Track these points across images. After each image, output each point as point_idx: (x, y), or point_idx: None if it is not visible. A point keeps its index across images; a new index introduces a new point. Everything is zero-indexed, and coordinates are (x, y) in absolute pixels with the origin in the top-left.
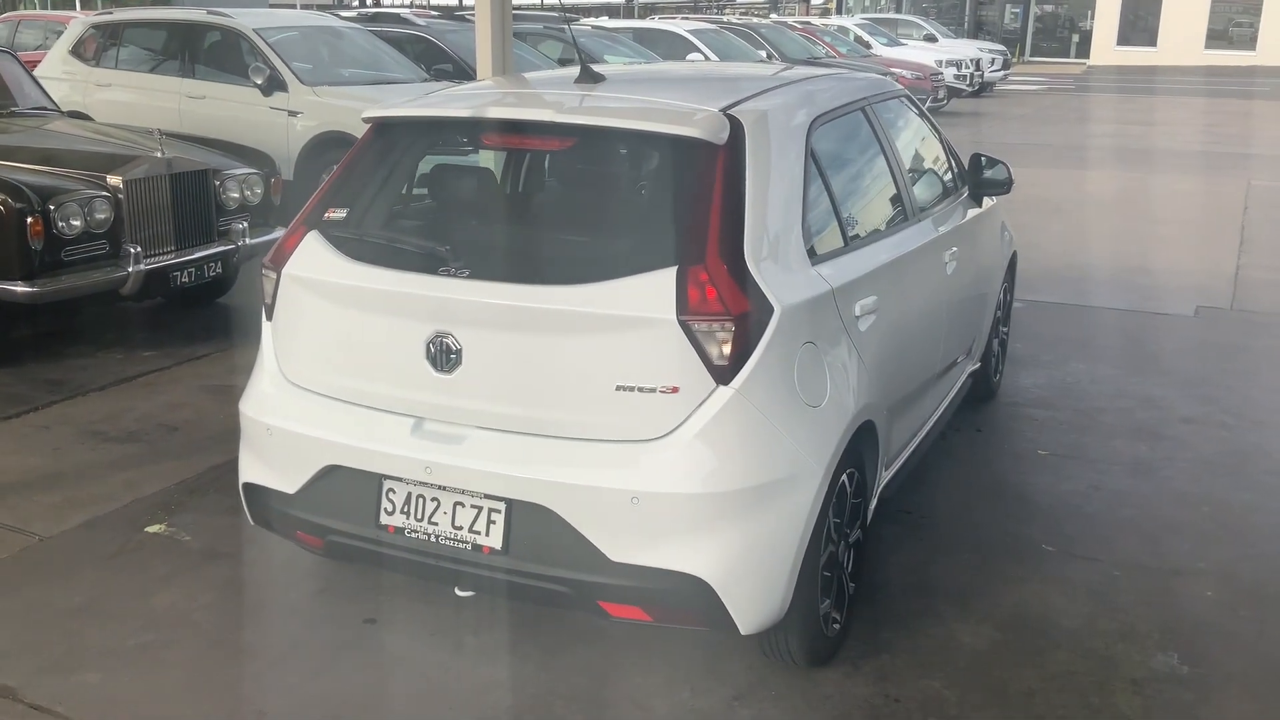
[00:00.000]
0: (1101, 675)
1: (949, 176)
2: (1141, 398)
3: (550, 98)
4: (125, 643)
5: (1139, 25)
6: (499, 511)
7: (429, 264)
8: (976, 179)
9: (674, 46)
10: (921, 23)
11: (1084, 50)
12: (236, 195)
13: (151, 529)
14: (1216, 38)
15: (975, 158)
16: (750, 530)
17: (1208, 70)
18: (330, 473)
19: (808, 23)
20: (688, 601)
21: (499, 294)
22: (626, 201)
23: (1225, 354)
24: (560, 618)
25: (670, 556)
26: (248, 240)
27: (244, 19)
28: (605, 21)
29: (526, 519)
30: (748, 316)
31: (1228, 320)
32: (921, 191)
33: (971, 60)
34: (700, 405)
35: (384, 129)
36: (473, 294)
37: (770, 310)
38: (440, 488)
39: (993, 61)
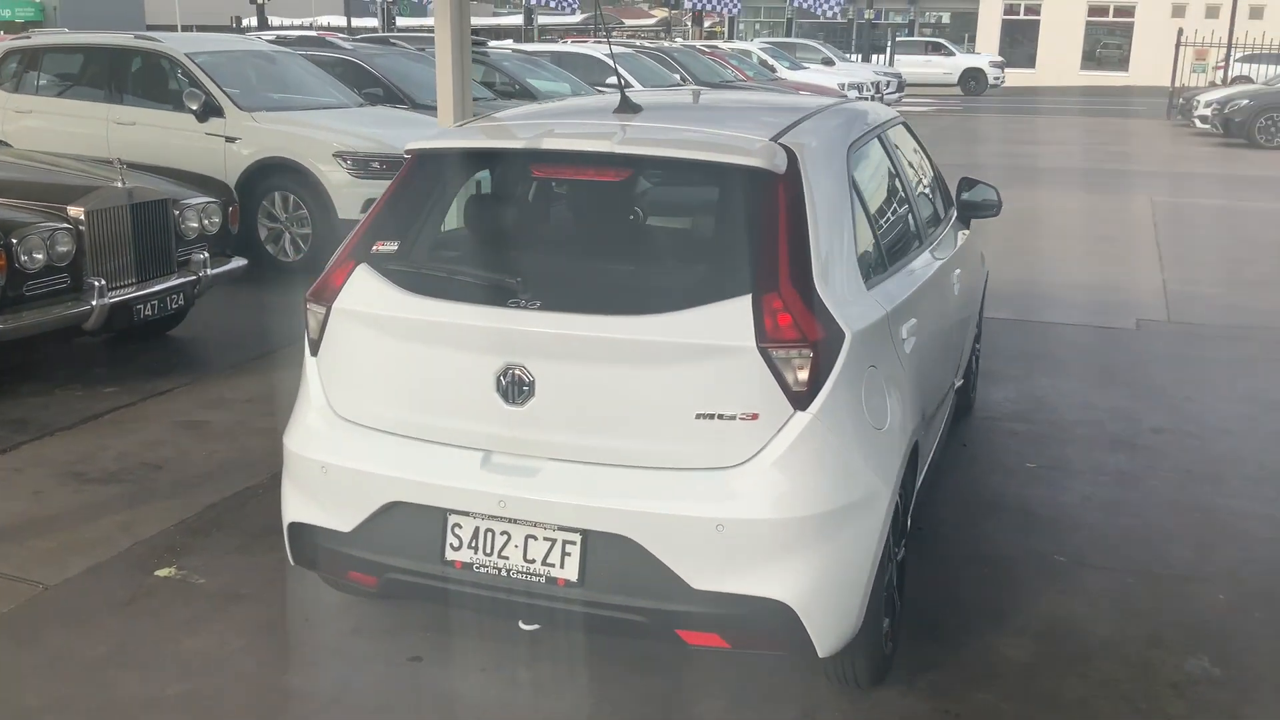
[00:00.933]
0: (1143, 681)
1: (942, 199)
2: (1109, 410)
3: (599, 128)
4: (165, 692)
5: (1018, 48)
6: (574, 543)
7: (497, 296)
8: (966, 201)
9: (592, 70)
10: (818, 47)
11: None
12: (195, 225)
13: (161, 573)
14: (1090, 59)
15: (964, 181)
16: (829, 553)
17: (1084, 90)
18: (391, 509)
19: (714, 46)
20: (768, 626)
21: (573, 325)
22: (689, 231)
23: (1174, 365)
24: (612, 648)
25: (753, 582)
26: (209, 271)
27: (174, 43)
28: (525, 45)
29: (603, 550)
30: (823, 342)
31: (1168, 332)
32: (929, 214)
33: (871, 84)
34: (779, 431)
35: (427, 160)
36: (546, 325)
37: (842, 335)
38: (511, 521)
39: (888, 84)
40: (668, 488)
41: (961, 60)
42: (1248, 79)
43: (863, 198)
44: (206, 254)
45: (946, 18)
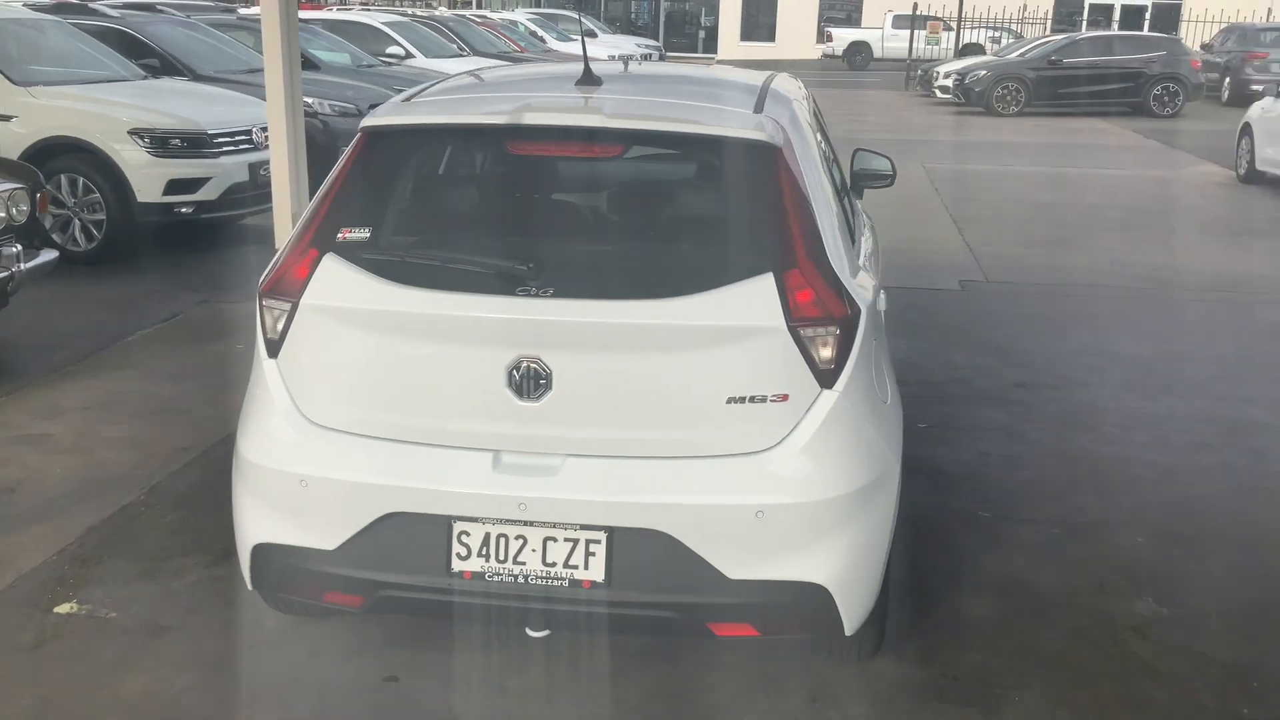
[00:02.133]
0: (1106, 627)
1: (838, 170)
2: (970, 368)
3: (578, 100)
4: None
5: (759, 22)
6: (598, 542)
7: (503, 284)
8: (860, 172)
9: (366, 38)
10: (579, 17)
11: (711, 45)
12: (2, 214)
13: (62, 609)
14: (825, 31)
15: (857, 152)
16: (858, 531)
17: (820, 63)
18: (386, 521)
19: (485, 17)
20: (802, 610)
21: (594, 313)
22: (692, 209)
23: (1009, 322)
24: (606, 645)
25: (790, 567)
26: (22, 266)
27: None
28: (301, 12)
29: (632, 547)
30: (846, 319)
31: (991, 291)
32: (844, 185)
33: (640, 56)
34: (808, 411)
35: (386, 138)
36: (563, 314)
37: (859, 311)
38: (526, 524)
39: (649, 56)
40: (702, 477)
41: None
42: (980, 47)
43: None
44: (19, 247)
45: None
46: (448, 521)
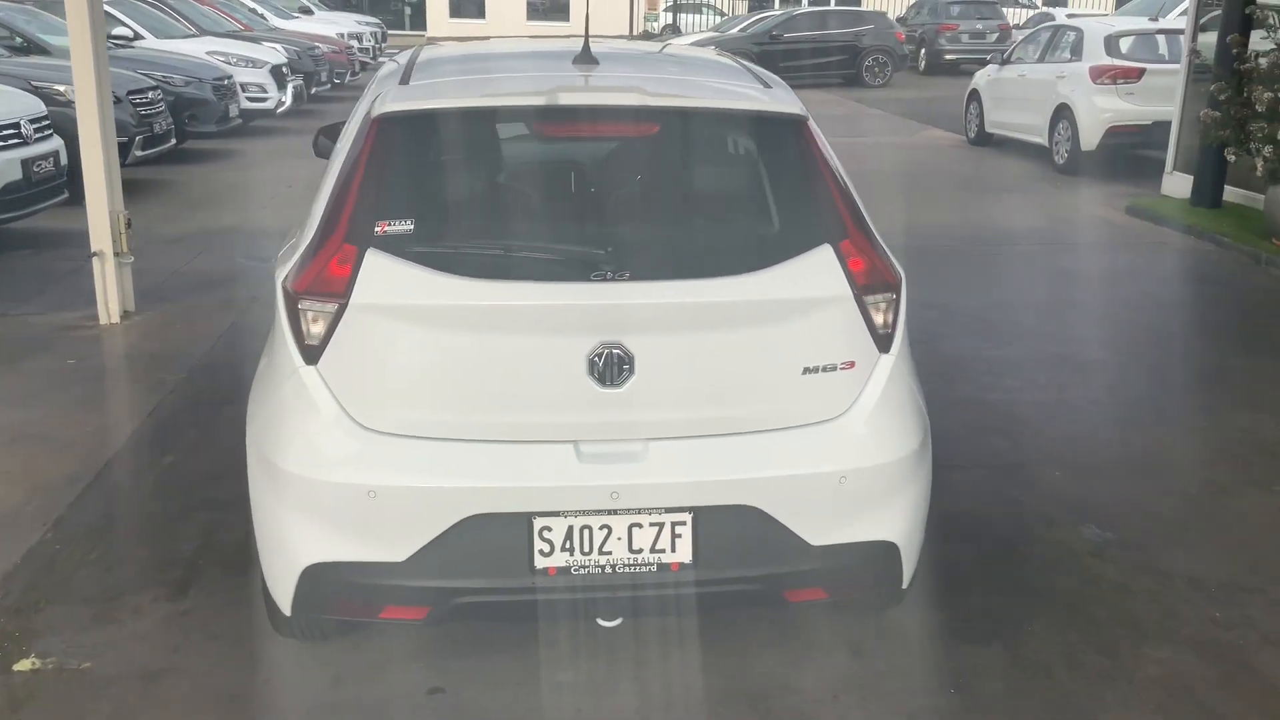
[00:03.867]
0: (1070, 557)
1: None
2: None
3: (605, 79)
4: None
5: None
6: (684, 524)
7: (576, 270)
8: None
9: None
10: None
11: (419, 22)
12: None
13: (22, 666)
14: (536, 10)
15: None
16: (916, 487)
17: (532, 40)
18: (462, 525)
19: None
20: (872, 568)
21: (674, 293)
22: (737, 184)
23: None
24: (640, 627)
25: (866, 528)
26: None
27: None
28: None
29: (717, 524)
30: (896, 285)
31: None
32: None
33: (370, 34)
34: (871, 376)
35: (402, 125)
36: (644, 296)
37: (900, 277)
38: (610, 513)
39: (376, 34)
40: (785, 448)
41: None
42: (675, 29)
43: None
44: None
45: None
46: (528, 519)
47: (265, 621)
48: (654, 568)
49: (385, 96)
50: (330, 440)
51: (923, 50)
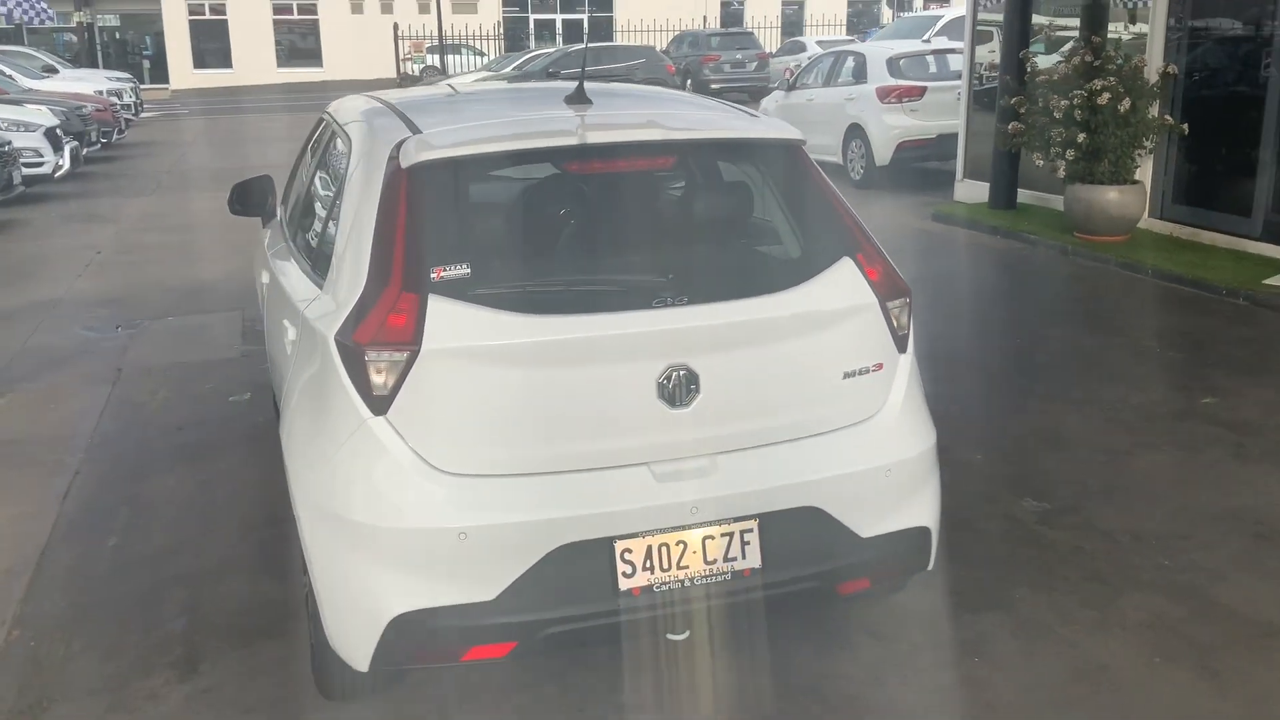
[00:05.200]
0: (1019, 526)
1: None
2: None
3: (617, 118)
4: None
5: (212, 49)
6: (751, 530)
7: (638, 299)
8: None
9: None
10: (34, 53)
11: (160, 75)
12: None
13: None
14: (286, 56)
15: None
16: (936, 472)
17: (285, 87)
18: (550, 557)
19: None
20: (909, 553)
21: (731, 313)
22: (755, 207)
23: None
24: (669, 643)
25: (906, 516)
26: None
27: None
28: None
29: (780, 528)
30: (908, 290)
31: None
32: None
33: (129, 89)
34: (896, 375)
35: (432, 172)
36: (705, 319)
37: (907, 284)
38: (684, 528)
39: (131, 90)
40: (837, 448)
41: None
42: (438, 69)
43: None
44: None
45: (115, 19)
46: (609, 543)
47: (297, 687)
48: (728, 576)
49: (408, 146)
50: (413, 488)
51: (689, 81)
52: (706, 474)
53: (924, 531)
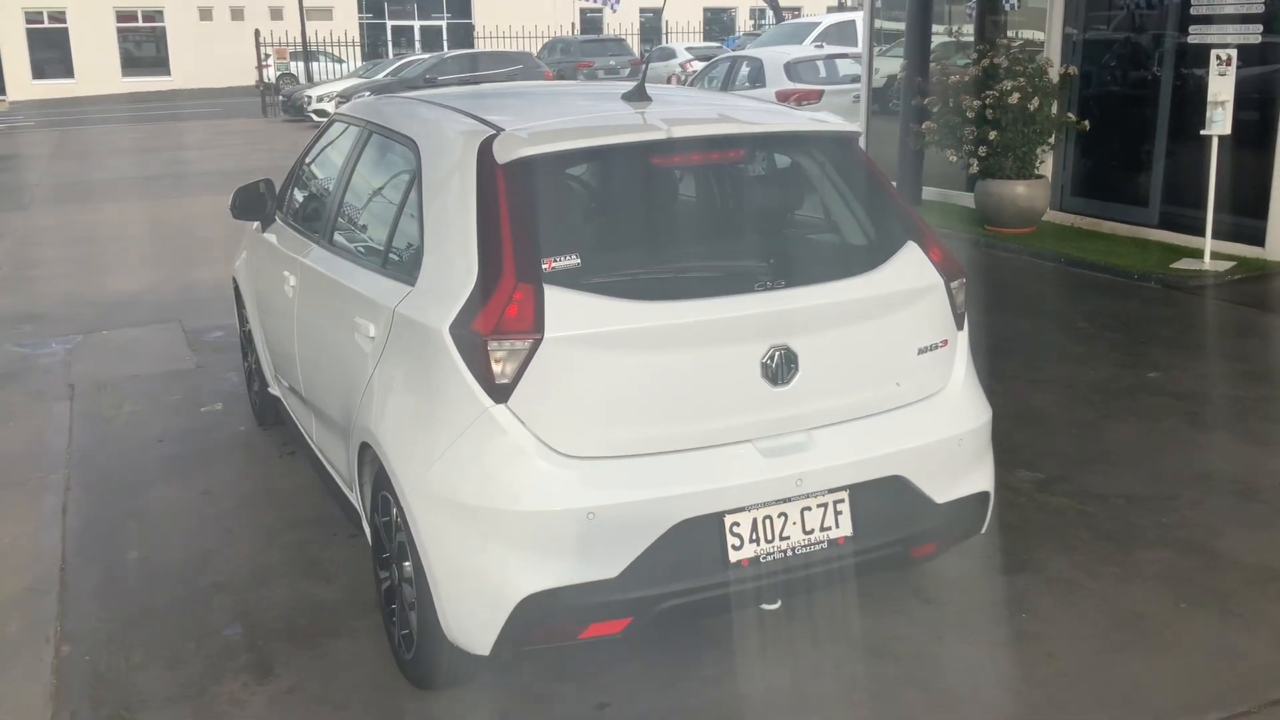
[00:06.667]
0: (1023, 495)
1: None
2: None
3: (691, 112)
4: None
5: (51, 58)
6: (843, 501)
7: (740, 283)
8: None
9: None
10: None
11: None
12: None
13: None
14: (131, 64)
15: None
16: (990, 441)
17: (131, 96)
18: (669, 534)
19: None
20: (971, 517)
21: (827, 294)
22: (825, 195)
23: None
24: (750, 614)
25: (972, 482)
26: None
27: None
28: None
29: (869, 497)
30: (963, 270)
31: None
32: None
33: None
34: (957, 351)
35: (527, 167)
36: (805, 300)
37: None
38: (785, 501)
39: None
40: (917, 420)
41: None
42: (293, 77)
43: None
44: None
45: None
46: (719, 518)
47: (382, 681)
48: (824, 545)
49: (502, 142)
50: (540, 472)
51: None
52: (804, 449)
53: (985, 496)
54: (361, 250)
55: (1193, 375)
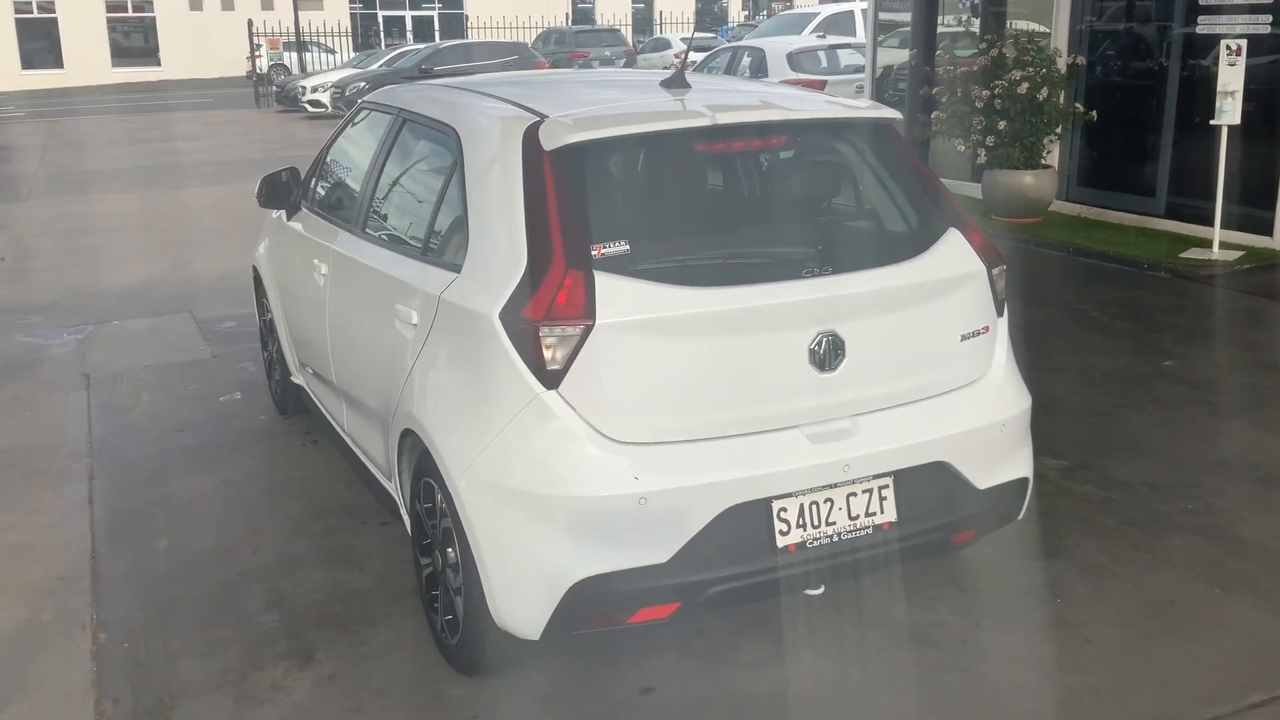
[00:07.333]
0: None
1: None
2: None
3: (732, 98)
4: None
5: (40, 48)
6: (887, 486)
7: (788, 270)
8: None
9: None
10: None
11: None
12: None
13: None
14: (121, 55)
15: None
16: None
17: (121, 87)
18: (719, 519)
19: None
20: (1010, 502)
21: (873, 281)
22: (867, 181)
23: None
24: (793, 602)
25: (1012, 467)
26: None
27: None
28: None
29: (913, 482)
30: (1003, 257)
31: None
32: None
33: None
34: (997, 337)
35: (573, 155)
36: (852, 287)
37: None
38: (831, 486)
39: None
40: (960, 406)
41: None
42: (285, 68)
43: None
44: None
45: None
46: (767, 503)
47: (424, 667)
48: (869, 530)
49: (548, 129)
50: (592, 457)
51: None
52: (850, 434)
53: (1024, 482)
54: (400, 237)
55: (1207, 364)
